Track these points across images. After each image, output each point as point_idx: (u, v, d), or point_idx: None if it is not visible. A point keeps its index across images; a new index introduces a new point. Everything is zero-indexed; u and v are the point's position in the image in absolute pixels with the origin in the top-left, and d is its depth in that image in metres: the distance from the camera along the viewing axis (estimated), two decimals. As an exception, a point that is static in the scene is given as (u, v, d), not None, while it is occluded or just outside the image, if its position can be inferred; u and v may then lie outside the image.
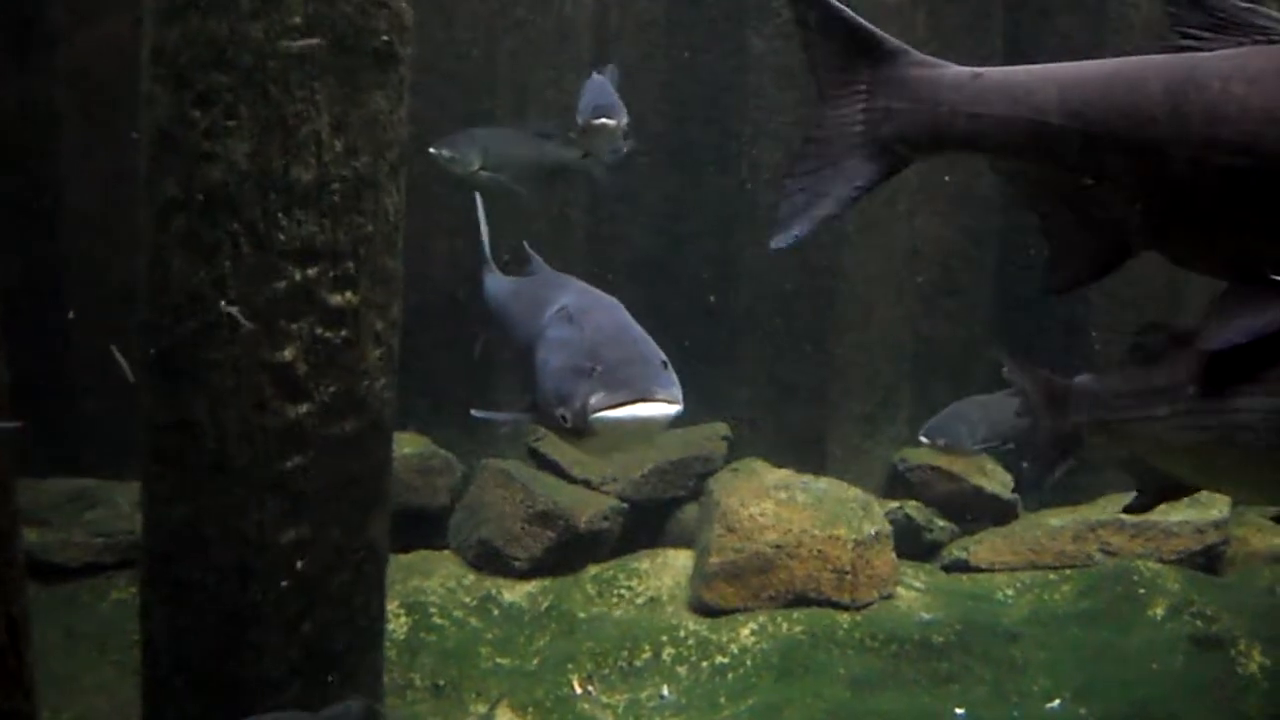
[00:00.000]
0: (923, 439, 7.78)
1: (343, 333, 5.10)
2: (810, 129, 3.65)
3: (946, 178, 9.42)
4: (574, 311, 5.01)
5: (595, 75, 7.40)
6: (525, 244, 6.06)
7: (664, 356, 4.72)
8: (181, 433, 5.11)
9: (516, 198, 7.96)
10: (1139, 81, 3.35)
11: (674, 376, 4.63)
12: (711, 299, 9.27)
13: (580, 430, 4.63)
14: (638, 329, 4.95)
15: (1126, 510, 5.07)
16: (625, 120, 7.13)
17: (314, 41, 4.86)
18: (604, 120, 7.04)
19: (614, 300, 5.25)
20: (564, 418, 4.65)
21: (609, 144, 7.35)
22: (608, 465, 8.52)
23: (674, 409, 4.56)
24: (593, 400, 4.53)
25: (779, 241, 3.53)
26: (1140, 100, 3.30)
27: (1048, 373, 5.08)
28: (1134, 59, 3.45)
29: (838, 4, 3.49)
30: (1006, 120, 3.34)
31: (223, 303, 4.93)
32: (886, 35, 3.49)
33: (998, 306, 9.64)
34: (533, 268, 6.02)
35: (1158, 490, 4.90)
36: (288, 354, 5.01)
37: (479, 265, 6.63)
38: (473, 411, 5.53)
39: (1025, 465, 5.75)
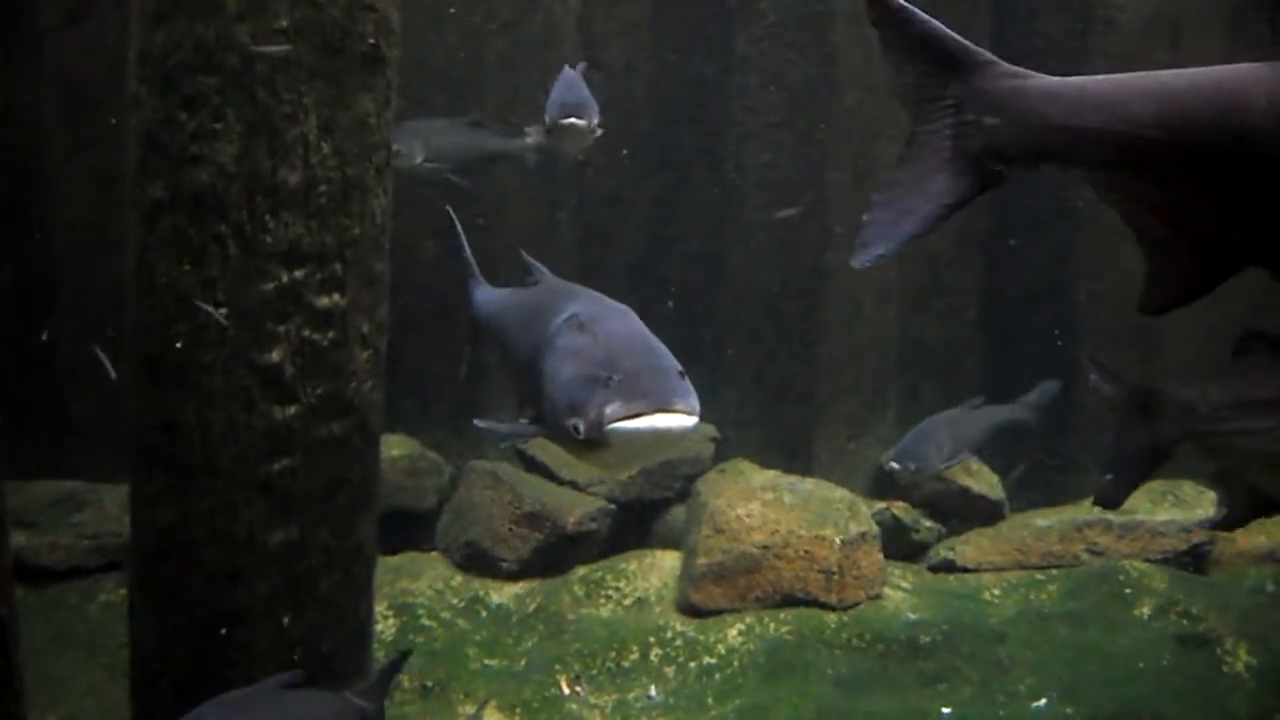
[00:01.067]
0: (892, 465, 7.71)
1: (330, 334, 5.11)
2: (902, 146, 3.51)
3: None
4: (586, 320, 4.78)
5: (566, 70, 7.11)
6: (524, 252, 5.80)
7: (680, 366, 4.53)
8: (169, 434, 5.11)
9: (457, 188, 7.91)
10: (1241, 92, 3.15)
11: (691, 386, 4.46)
12: (699, 300, 9.30)
13: (594, 441, 4.44)
14: (653, 337, 4.77)
15: (1213, 527, 4.96)
16: (596, 120, 6.85)
17: (285, 48, 4.85)
18: (573, 121, 6.77)
19: (626, 308, 5.05)
20: (576, 429, 4.44)
21: (579, 143, 7.05)
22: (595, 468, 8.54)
23: (692, 420, 4.38)
24: (609, 410, 4.34)
25: (860, 261, 3.39)
26: (1243, 111, 3.11)
27: (1137, 380, 4.95)
28: (1234, 68, 3.23)
29: (924, 15, 3.37)
30: (1101, 133, 3.16)
31: (199, 301, 4.92)
32: (976, 46, 3.36)
33: (985, 307, 9.66)
34: (535, 277, 5.68)
35: (1250, 506, 4.79)
36: (275, 356, 5.02)
37: (464, 279, 6.33)
38: (476, 422, 5.36)
39: (1107, 477, 5.54)
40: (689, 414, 4.35)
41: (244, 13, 4.88)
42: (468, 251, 6.29)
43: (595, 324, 4.75)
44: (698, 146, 9.36)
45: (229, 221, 4.93)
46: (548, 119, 6.83)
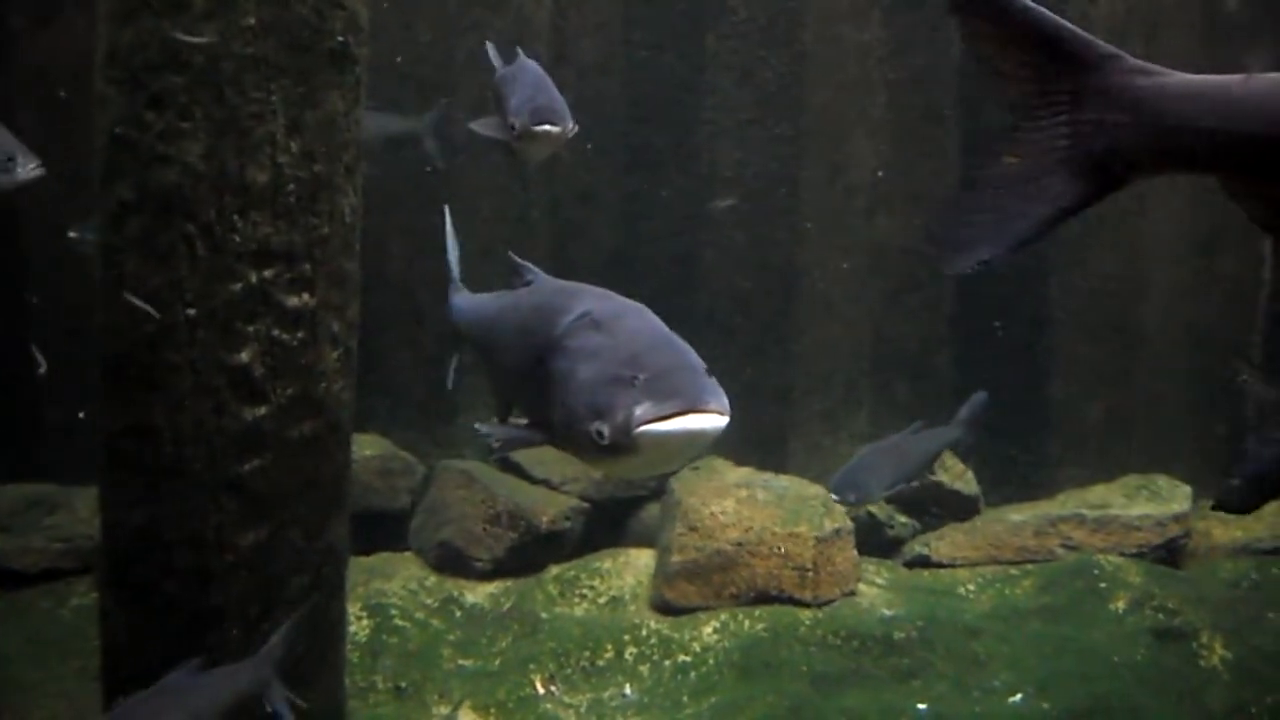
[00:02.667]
0: (832, 496, 7.60)
1: (299, 334, 5.08)
2: (998, 147, 3.28)
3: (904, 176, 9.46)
4: (600, 318, 4.45)
5: (524, 59, 6.47)
6: (512, 254, 5.32)
7: (705, 364, 4.23)
8: (138, 436, 5.08)
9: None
10: None
11: (719, 386, 4.14)
12: (673, 298, 9.29)
13: (620, 447, 4.08)
14: (674, 335, 4.46)
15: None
16: (571, 124, 6.09)
17: (206, 40, 4.81)
18: (547, 128, 6.00)
19: (640, 305, 4.72)
20: (599, 434, 4.09)
21: (549, 150, 6.31)
22: (569, 466, 8.51)
23: (724, 421, 4.07)
24: (638, 411, 4.01)
25: (958, 265, 3.13)
26: None
27: None
28: None
29: (1027, 3, 3.08)
30: (1244, 136, 2.87)
31: (133, 298, 4.89)
32: (1094, 38, 3.08)
33: (958, 303, 9.67)
34: (526, 277, 5.22)
35: None
36: (244, 356, 4.99)
37: (447, 285, 5.95)
38: (476, 426, 4.96)
39: (1234, 481, 5.35)
40: (721, 414, 4.05)
41: (211, 11, 4.85)
42: (451, 256, 5.98)
43: (613, 322, 4.44)
44: (670, 144, 9.35)
45: (197, 221, 4.90)
46: (515, 122, 6.03)
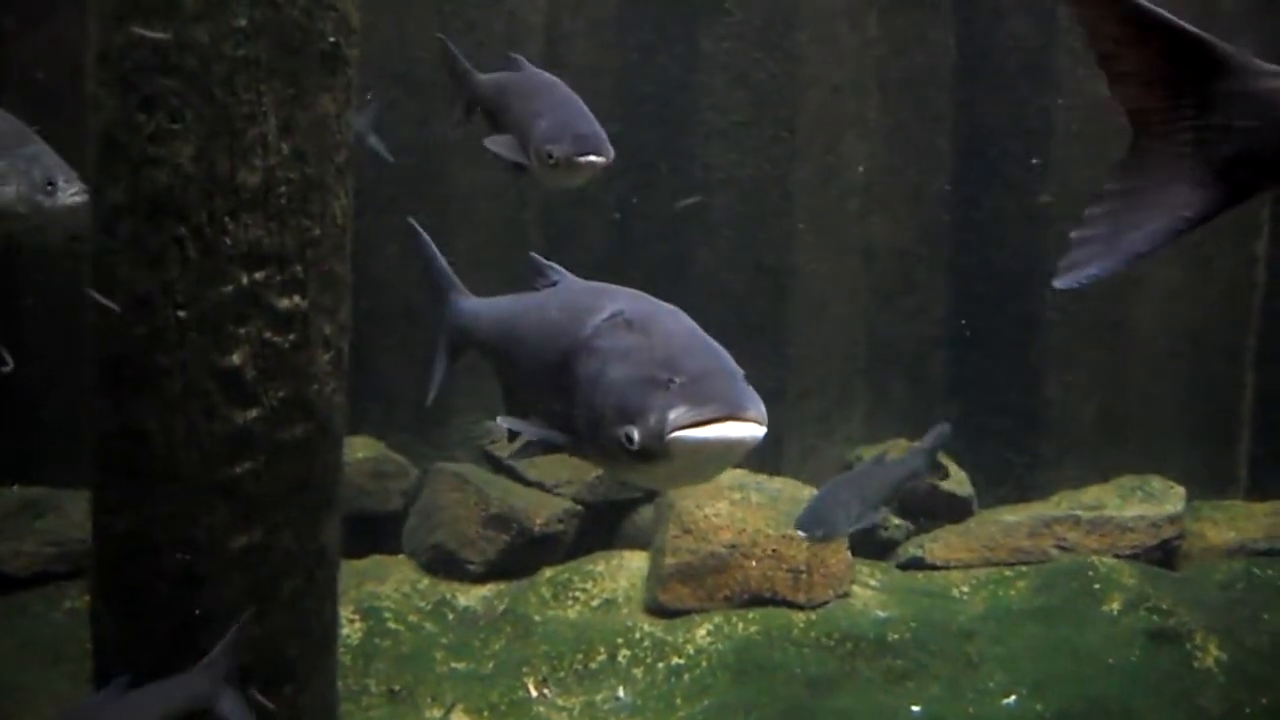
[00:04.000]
0: (799, 533, 7.41)
1: (291, 337, 5.06)
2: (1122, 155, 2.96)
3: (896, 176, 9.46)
4: (634, 317, 4.21)
5: (534, 70, 5.80)
6: (534, 255, 5.02)
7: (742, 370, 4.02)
8: (130, 439, 5.06)
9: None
10: None
11: (755, 393, 3.91)
12: (666, 301, 9.27)
13: (651, 453, 3.85)
14: (710, 338, 4.26)
15: None
16: (611, 154, 5.33)
17: (162, 36, 4.80)
18: (592, 159, 5.23)
19: (674, 307, 4.47)
20: (629, 438, 3.85)
21: (581, 181, 5.54)
22: (562, 468, 8.50)
23: (762, 431, 3.82)
24: (672, 416, 3.77)
25: (1070, 281, 2.99)
26: None
27: None
28: None
29: (1148, 3, 2.85)
30: None
31: (97, 295, 4.87)
32: (1219, 41, 2.87)
33: (952, 303, 9.66)
34: (550, 279, 4.96)
35: None
36: (236, 359, 4.97)
37: (442, 290, 5.52)
38: (499, 420, 4.72)
39: None
40: (760, 423, 3.81)
41: (202, 13, 4.84)
42: (442, 260, 5.55)
43: (647, 322, 4.20)
44: (664, 146, 9.33)
45: (188, 223, 4.88)
46: (552, 150, 5.23)
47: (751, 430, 3.78)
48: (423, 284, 8.22)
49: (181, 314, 4.93)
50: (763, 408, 3.81)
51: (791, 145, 9.31)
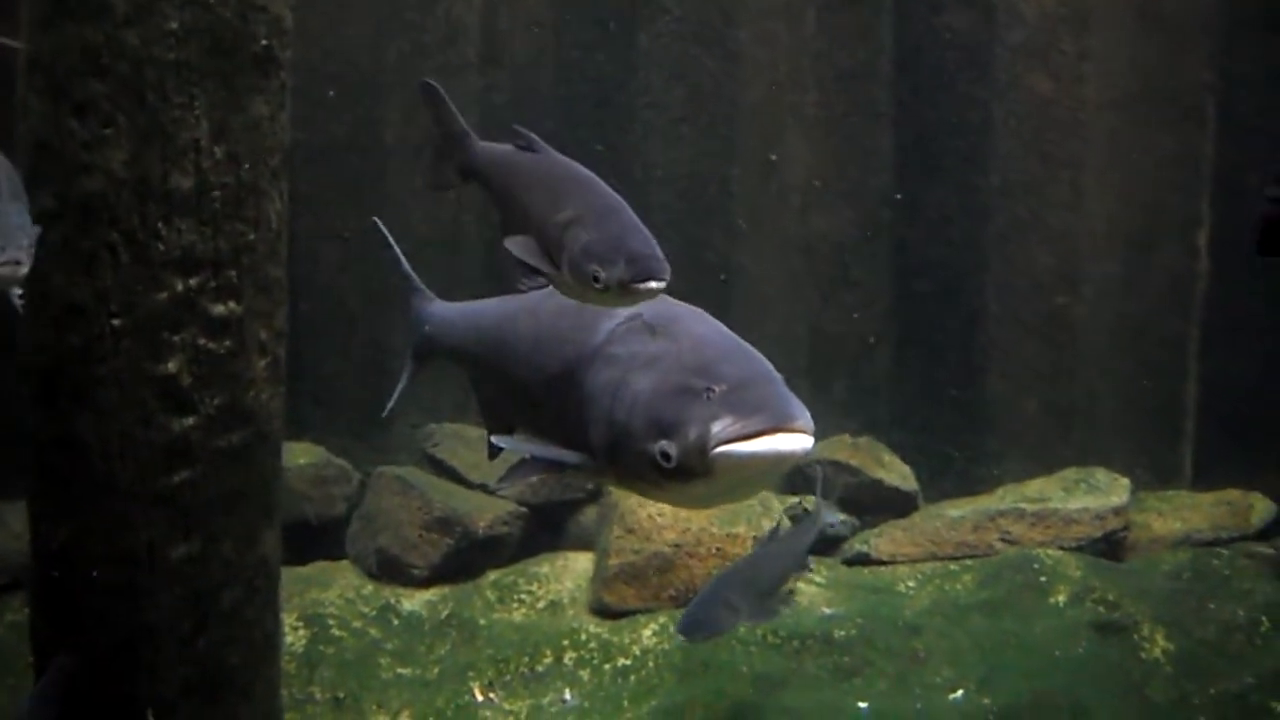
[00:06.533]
0: (679, 636, 7.01)
1: (227, 343, 5.01)
2: None
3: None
4: (655, 320, 3.87)
5: (554, 154, 4.49)
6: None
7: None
8: (66, 449, 5.01)
9: None
10: None
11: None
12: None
13: (690, 471, 3.51)
14: (742, 340, 3.91)
15: None
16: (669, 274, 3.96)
17: (20, 44, 4.76)
18: (653, 285, 3.81)
19: (697, 308, 4.14)
20: (665, 455, 3.53)
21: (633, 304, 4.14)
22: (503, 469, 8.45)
23: (811, 442, 3.52)
24: (716, 428, 3.44)
25: None
26: None
27: None
28: None
29: None
30: None
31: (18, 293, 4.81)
32: None
33: (894, 299, 9.67)
34: (537, 281, 4.16)
35: None
36: (171, 366, 4.92)
37: (409, 296, 5.23)
38: (495, 440, 4.32)
39: None
40: (809, 433, 3.51)
41: (133, 16, 4.78)
42: (406, 264, 5.26)
43: (671, 325, 3.86)
44: (603, 145, 9.30)
45: (121, 230, 4.83)
46: (601, 275, 3.84)
47: (802, 442, 3.50)
48: (360, 287, 8.25)
49: (116, 322, 4.88)
50: (809, 417, 3.53)
51: (731, 142, 9.30)
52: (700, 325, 3.96)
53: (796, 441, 3.47)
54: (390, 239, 5.32)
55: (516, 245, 4.19)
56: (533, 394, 4.21)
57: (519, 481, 4.72)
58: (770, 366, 3.73)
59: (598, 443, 3.78)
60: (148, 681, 5.12)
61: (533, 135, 4.42)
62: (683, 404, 3.55)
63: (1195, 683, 7.27)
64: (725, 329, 3.94)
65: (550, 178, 4.33)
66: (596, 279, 3.82)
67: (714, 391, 3.54)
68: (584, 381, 3.86)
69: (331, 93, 8.76)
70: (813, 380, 9.55)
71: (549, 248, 4.05)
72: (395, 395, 5.35)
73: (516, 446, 4.12)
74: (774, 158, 9.42)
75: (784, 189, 9.49)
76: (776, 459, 3.48)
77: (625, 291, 3.80)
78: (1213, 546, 8.81)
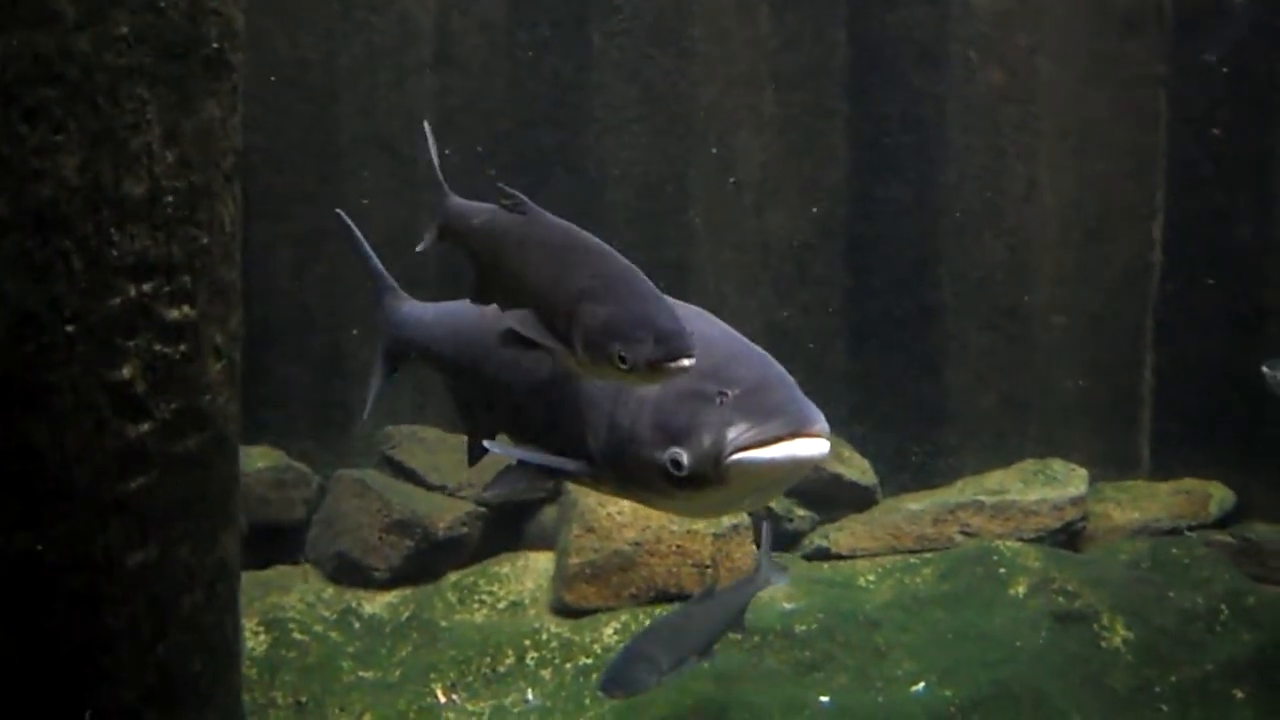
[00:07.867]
0: (599, 694, 6.54)
1: (182, 348, 4.98)
2: None
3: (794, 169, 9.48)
4: None
5: (551, 218, 4.13)
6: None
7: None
8: (22, 458, 4.96)
9: None
10: None
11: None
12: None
13: (703, 479, 3.40)
14: (751, 342, 3.80)
15: None
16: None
17: None
18: (684, 363, 3.43)
19: (701, 309, 4.01)
20: (676, 463, 3.41)
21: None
22: (465, 470, 8.44)
23: (828, 447, 3.43)
24: (731, 435, 3.33)
25: None
26: None
27: None
28: None
29: None
30: None
31: None
32: None
33: (850, 295, 9.70)
34: None
35: None
36: (126, 372, 4.88)
37: (380, 296, 5.07)
38: (488, 445, 4.12)
39: None
40: (826, 438, 3.43)
41: (83, 21, 4.75)
42: (376, 260, 5.10)
43: None
44: (558, 144, 9.30)
45: (73, 236, 4.80)
46: (629, 355, 3.46)
47: (819, 448, 3.41)
48: (318, 289, 8.21)
49: (70, 328, 4.83)
50: (825, 421, 3.44)
51: (686, 141, 9.31)
52: (706, 325, 3.83)
53: (815, 447, 3.39)
54: (358, 234, 5.23)
55: (516, 320, 3.83)
56: (517, 398, 4.07)
57: (507, 488, 4.35)
58: (782, 369, 3.64)
59: (597, 449, 3.68)
60: (107, 689, 5.09)
61: (520, 195, 4.06)
62: (694, 409, 3.45)
63: (1156, 671, 7.32)
64: (732, 330, 3.86)
65: (549, 244, 3.97)
66: (623, 359, 3.47)
67: (727, 395, 3.44)
68: (581, 386, 3.73)
69: (285, 94, 8.73)
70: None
71: (554, 321, 3.70)
72: (371, 400, 5.19)
73: (509, 452, 4.01)
74: (727, 154, 9.44)
75: (739, 187, 9.50)
76: (795, 465, 3.41)
77: (653, 371, 3.46)
78: (1171, 535, 8.89)
